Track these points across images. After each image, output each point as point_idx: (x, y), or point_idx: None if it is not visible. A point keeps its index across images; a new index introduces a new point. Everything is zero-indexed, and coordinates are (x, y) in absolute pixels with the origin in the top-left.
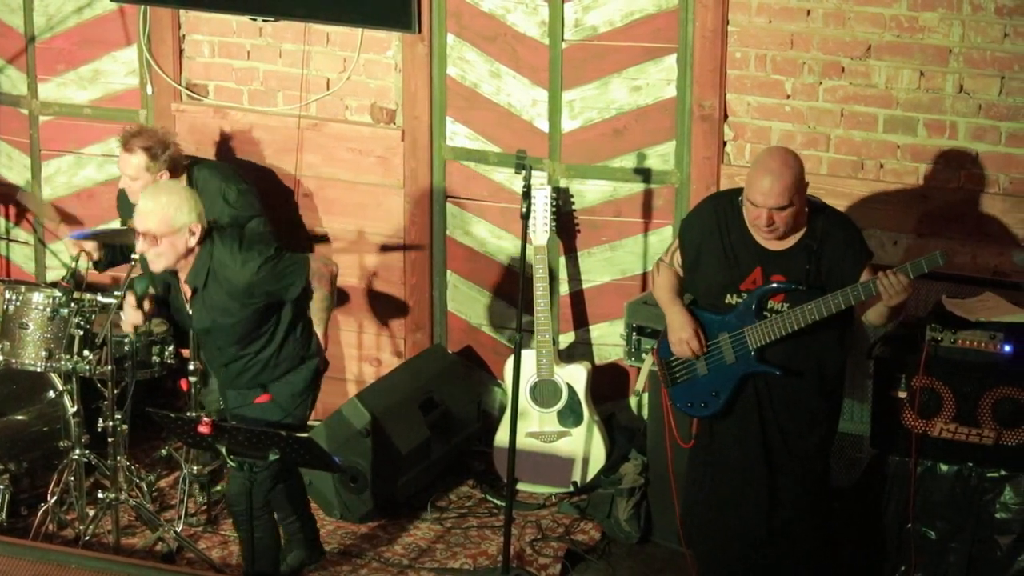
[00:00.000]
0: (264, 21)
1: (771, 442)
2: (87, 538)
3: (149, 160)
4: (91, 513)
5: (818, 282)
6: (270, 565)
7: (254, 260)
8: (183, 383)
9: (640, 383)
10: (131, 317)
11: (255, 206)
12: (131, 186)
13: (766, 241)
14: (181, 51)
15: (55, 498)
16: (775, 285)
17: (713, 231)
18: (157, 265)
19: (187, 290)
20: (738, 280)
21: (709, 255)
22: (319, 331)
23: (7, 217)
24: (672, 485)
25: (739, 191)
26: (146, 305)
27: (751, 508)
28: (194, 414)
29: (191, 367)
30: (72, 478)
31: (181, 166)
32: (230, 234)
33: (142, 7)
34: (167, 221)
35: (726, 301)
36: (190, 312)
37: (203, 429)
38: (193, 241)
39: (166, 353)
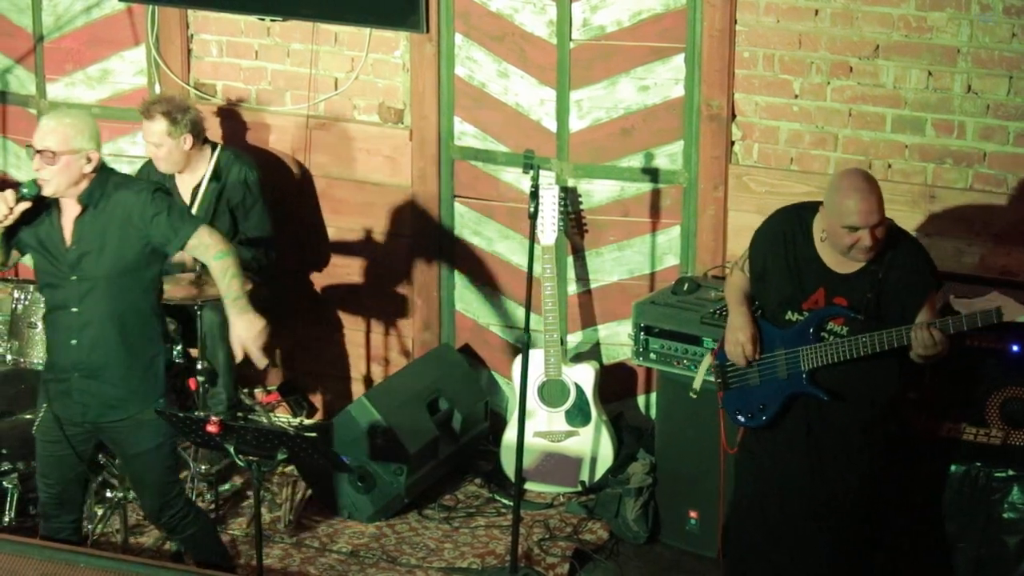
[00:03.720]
0: (272, 21)
1: (815, 466)
2: (95, 537)
3: (170, 125)
4: (99, 512)
5: (878, 311)
6: (216, 551)
7: (150, 187)
8: (191, 382)
9: (697, 382)
10: (2, 210)
11: (266, 195)
12: (156, 153)
13: (833, 263)
14: (189, 51)
15: None
16: (835, 309)
17: (779, 246)
18: (50, 187)
19: (71, 214)
20: (801, 298)
21: (774, 269)
22: (227, 300)
23: None
24: (721, 487)
25: (808, 206)
26: (21, 206)
27: (788, 528)
28: (202, 413)
29: (199, 367)
30: None
31: (202, 131)
32: (127, 175)
33: (150, 7)
34: (67, 139)
35: (787, 317)
36: (65, 239)
37: (211, 428)
38: (88, 168)
39: (174, 352)
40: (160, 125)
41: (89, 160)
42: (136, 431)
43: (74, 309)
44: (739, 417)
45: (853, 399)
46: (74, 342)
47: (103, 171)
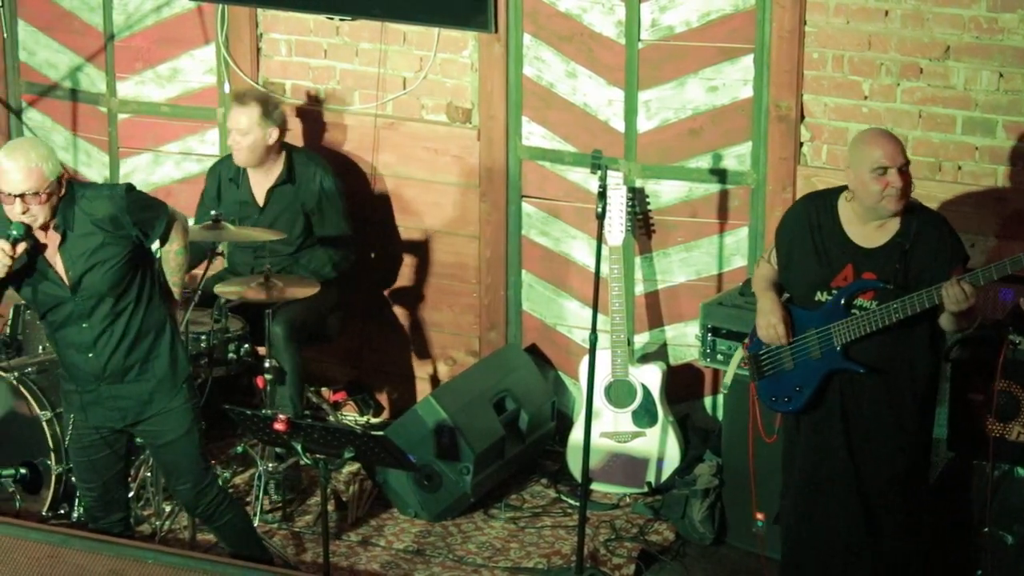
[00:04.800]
0: (341, 20)
1: (854, 442)
2: (163, 534)
3: (262, 113)
4: (167, 509)
5: (907, 282)
6: (254, 541)
7: (118, 188)
8: (259, 380)
9: (728, 376)
10: (2, 260)
11: (343, 195)
12: (240, 142)
13: (859, 238)
14: (258, 50)
15: (132, 494)
16: (864, 283)
17: (805, 229)
18: (37, 222)
19: (53, 240)
20: (829, 278)
21: (801, 253)
22: (175, 289)
23: None
24: (752, 482)
25: (835, 191)
26: (20, 247)
27: (835, 511)
28: (269, 411)
29: (267, 364)
30: (149, 474)
31: (287, 130)
32: (89, 183)
33: (220, 6)
34: (42, 176)
35: (816, 299)
36: (60, 272)
37: (279, 426)
38: (61, 190)
39: (242, 350)
40: (253, 111)
41: (61, 183)
42: (166, 420)
43: (84, 325)
44: (776, 403)
45: (890, 371)
46: (91, 355)
47: (67, 188)
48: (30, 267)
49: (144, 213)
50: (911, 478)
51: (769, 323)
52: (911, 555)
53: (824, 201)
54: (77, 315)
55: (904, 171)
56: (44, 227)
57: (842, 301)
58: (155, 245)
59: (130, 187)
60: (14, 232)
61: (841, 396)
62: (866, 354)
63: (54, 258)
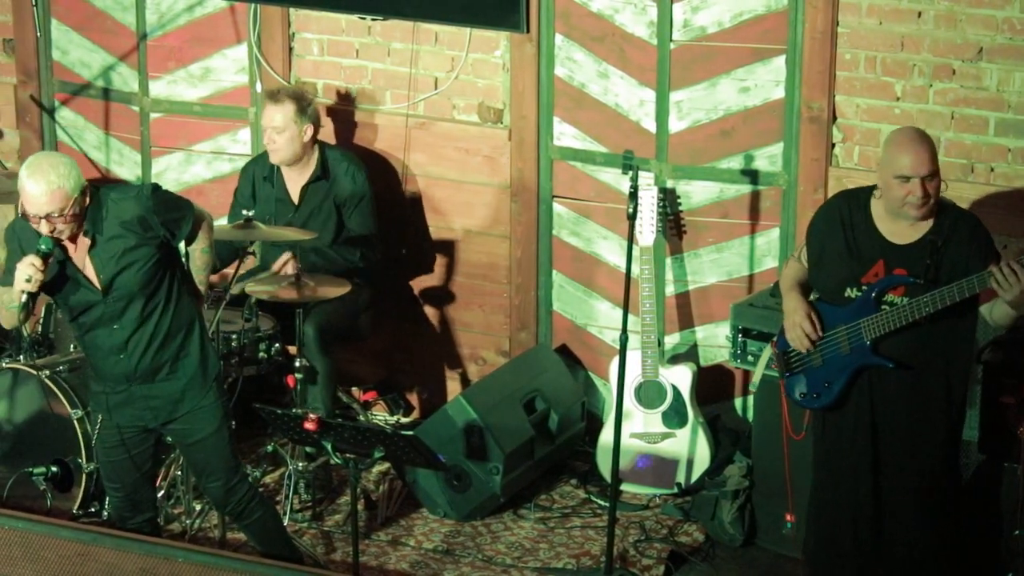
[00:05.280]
0: (373, 20)
1: (883, 438)
2: (193, 532)
3: (298, 110)
4: (198, 508)
5: (938, 278)
6: (282, 539)
7: (144, 189)
8: (289, 379)
9: (757, 376)
10: (35, 276)
11: (372, 198)
12: (275, 140)
13: (891, 234)
14: (291, 49)
15: (162, 492)
16: (895, 278)
17: (836, 226)
18: (66, 234)
19: (83, 244)
20: (859, 273)
21: (832, 250)
22: (201, 287)
23: None
24: (788, 483)
25: (868, 189)
26: (49, 262)
27: (860, 507)
28: (300, 411)
29: (297, 364)
30: (179, 473)
31: (320, 127)
32: (114, 185)
33: (253, 5)
34: (66, 194)
35: (846, 295)
36: (89, 277)
37: (309, 426)
38: (87, 201)
39: (273, 350)
40: (288, 108)
41: (84, 194)
42: (196, 418)
43: (115, 326)
44: (805, 399)
45: (920, 368)
46: (122, 356)
47: (94, 193)
48: (61, 274)
49: (171, 213)
50: (939, 477)
51: (794, 323)
52: (935, 556)
53: (857, 198)
54: (108, 317)
55: (930, 181)
56: (73, 237)
57: (872, 296)
58: (181, 245)
59: (155, 187)
60: (43, 247)
61: (870, 392)
62: (896, 350)
63: (84, 262)
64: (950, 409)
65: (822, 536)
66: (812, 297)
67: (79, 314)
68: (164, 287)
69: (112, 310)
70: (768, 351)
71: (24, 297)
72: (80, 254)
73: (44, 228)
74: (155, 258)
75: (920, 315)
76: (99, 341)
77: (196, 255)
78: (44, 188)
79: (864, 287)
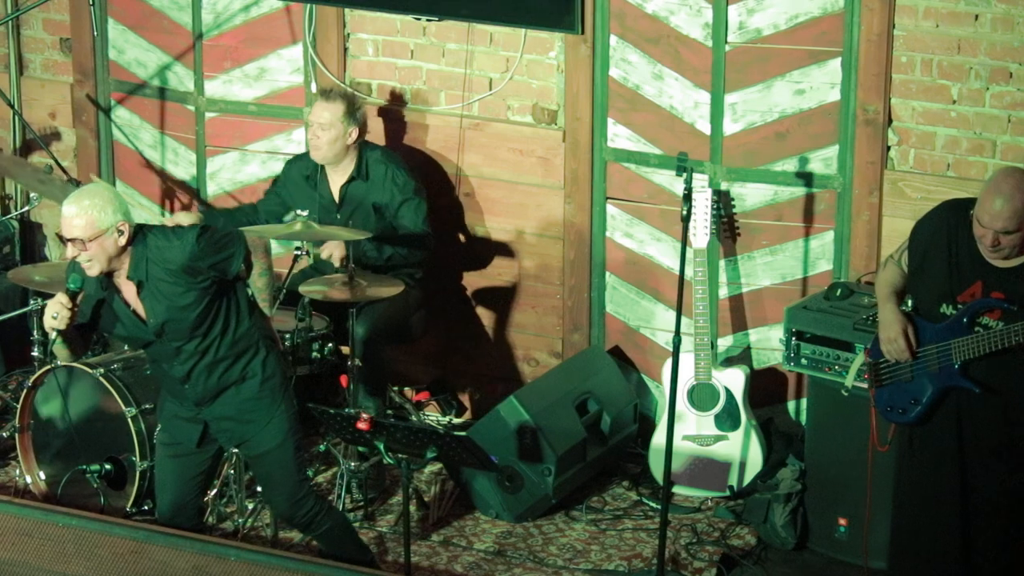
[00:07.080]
0: (428, 21)
1: (969, 463)
2: (245, 531)
3: (347, 111)
4: (250, 506)
5: None
6: (354, 546)
7: (190, 234)
8: (342, 379)
9: (850, 379)
10: (62, 313)
11: (422, 191)
12: (319, 136)
13: (993, 258)
14: (345, 49)
15: (215, 491)
16: (991, 301)
17: (941, 239)
18: (92, 270)
19: (131, 290)
20: (957, 291)
21: (934, 262)
22: (263, 306)
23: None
24: (868, 493)
25: (973, 200)
26: (77, 300)
27: (940, 528)
28: (353, 410)
29: (350, 363)
30: (232, 472)
31: (366, 132)
32: (160, 227)
33: (308, 6)
34: (92, 224)
35: (941, 311)
36: (140, 315)
37: (362, 426)
38: (123, 240)
39: (326, 349)
40: (338, 108)
41: (121, 232)
42: (261, 431)
43: (175, 362)
44: (891, 413)
45: (1009, 394)
46: (187, 386)
47: (139, 235)
48: (111, 312)
49: (218, 256)
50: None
51: (889, 338)
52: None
53: (964, 212)
54: (166, 355)
55: (1004, 235)
56: (109, 274)
57: (965, 319)
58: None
59: (201, 232)
60: (71, 285)
61: (958, 413)
62: (986, 374)
63: (136, 304)
64: None
65: (907, 554)
66: (907, 305)
67: (140, 348)
68: (222, 316)
69: (167, 349)
70: (860, 357)
71: (54, 334)
72: (131, 296)
73: (69, 252)
74: (207, 298)
75: (1011, 343)
76: (163, 371)
77: (255, 280)
78: (75, 211)
79: (960, 306)
